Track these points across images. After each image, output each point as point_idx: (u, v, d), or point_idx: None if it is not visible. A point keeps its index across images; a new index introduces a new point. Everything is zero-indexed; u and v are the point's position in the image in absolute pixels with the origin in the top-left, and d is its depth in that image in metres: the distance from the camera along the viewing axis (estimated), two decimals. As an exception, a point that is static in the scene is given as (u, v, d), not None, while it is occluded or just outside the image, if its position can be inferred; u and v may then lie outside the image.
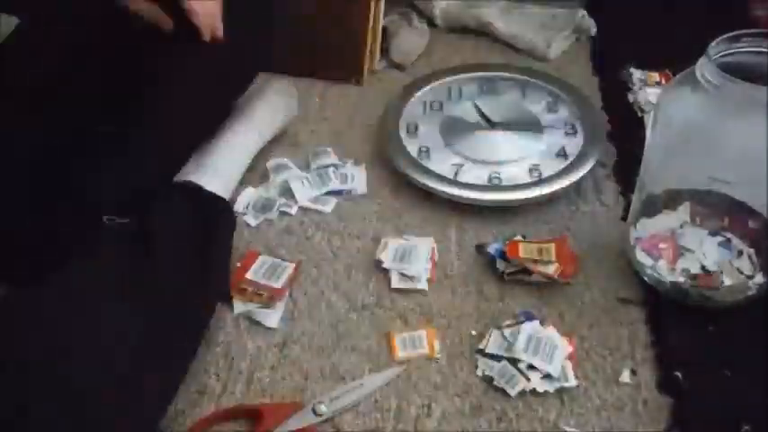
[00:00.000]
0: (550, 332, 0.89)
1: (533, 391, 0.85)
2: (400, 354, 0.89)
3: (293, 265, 0.97)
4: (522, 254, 0.97)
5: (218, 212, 0.97)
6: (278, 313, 0.93)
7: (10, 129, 0.92)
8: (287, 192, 1.08)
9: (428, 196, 1.07)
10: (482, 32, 1.36)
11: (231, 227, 0.98)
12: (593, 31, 1.34)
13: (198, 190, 0.98)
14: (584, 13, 1.34)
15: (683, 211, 0.95)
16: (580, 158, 1.09)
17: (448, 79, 1.23)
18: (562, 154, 1.10)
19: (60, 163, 0.90)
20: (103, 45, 0.97)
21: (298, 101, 1.17)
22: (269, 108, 1.12)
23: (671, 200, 0.94)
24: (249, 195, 1.07)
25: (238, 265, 0.97)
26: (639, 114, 1.19)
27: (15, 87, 0.94)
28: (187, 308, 0.86)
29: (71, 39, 0.97)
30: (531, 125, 1.15)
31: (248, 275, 0.95)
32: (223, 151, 1.04)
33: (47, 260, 0.82)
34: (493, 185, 1.07)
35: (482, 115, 1.17)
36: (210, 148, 1.03)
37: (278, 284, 0.94)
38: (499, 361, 0.87)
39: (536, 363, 0.86)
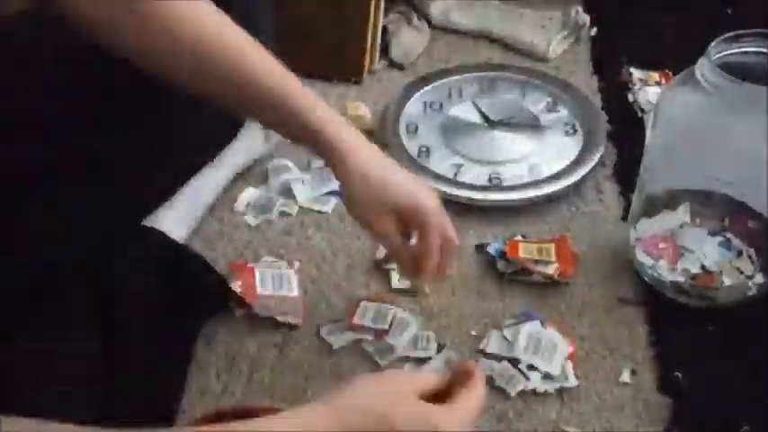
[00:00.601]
0: (550, 332, 0.89)
1: (533, 392, 0.85)
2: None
3: (292, 270, 0.96)
4: (522, 254, 0.97)
5: (182, 259, 0.95)
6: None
7: None
8: (287, 192, 1.08)
9: (428, 196, 1.07)
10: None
11: (199, 273, 0.95)
12: (593, 30, 1.34)
13: (157, 234, 0.96)
14: (579, 9, 1.34)
15: (683, 211, 0.95)
16: (580, 158, 1.09)
17: (448, 79, 1.23)
18: (562, 154, 1.10)
19: (29, 203, 0.87)
20: (83, 83, 0.89)
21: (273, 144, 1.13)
22: (242, 152, 1.08)
23: (671, 200, 0.95)
24: (249, 195, 1.07)
25: (239, 284, 0.94)
26: (639, 114, 1.19)
27: None
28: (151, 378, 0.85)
29: (46, 76, 0.88)
30: (531, 125, 1.15)
31: (259, 290, 0.93)
32: (187, 192, 1.01)
33: (16, 302, 0.81)
34: (493, 185, 1.07)
35: (482, 115, 1.17)
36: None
37: (293, 293, 0.94)
38: (499, 361, 0.87)
39: (536, 363, 0.86)
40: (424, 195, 0.83)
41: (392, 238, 0.83)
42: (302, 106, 0.80)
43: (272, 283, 0.94)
